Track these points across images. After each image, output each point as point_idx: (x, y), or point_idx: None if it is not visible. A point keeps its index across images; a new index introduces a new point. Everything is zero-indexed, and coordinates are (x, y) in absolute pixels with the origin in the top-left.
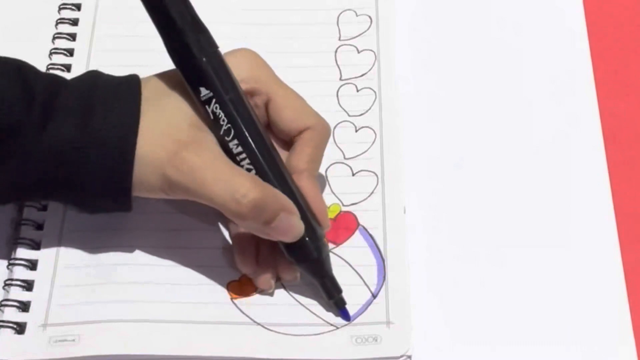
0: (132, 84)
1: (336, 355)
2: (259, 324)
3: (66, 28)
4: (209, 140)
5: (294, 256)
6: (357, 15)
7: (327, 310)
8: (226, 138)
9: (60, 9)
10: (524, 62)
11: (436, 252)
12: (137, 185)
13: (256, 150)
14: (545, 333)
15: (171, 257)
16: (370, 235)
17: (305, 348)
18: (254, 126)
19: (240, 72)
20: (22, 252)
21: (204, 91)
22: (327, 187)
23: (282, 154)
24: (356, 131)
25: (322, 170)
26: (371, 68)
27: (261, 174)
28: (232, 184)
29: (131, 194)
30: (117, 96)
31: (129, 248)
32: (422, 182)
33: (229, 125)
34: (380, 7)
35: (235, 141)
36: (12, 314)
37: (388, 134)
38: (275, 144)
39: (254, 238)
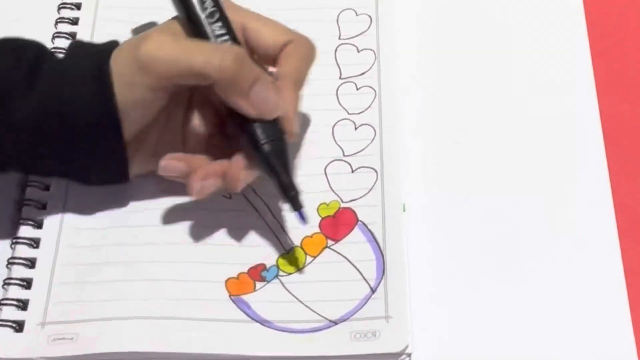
0: (114, 43)
1: (335, 352)
2: (256, 321)
3: (66, 27)
4: (175, 28)
5: (257, 136)
6: (357, 15)
7: (325, 305)
8: (210, 20)
9: (59, 8)
10: (524, 62)
11: (435, 247)
12: (120, 99)
13: (236, 36)
14: (545, 332)
15: (169, 254)
16: (370, 231)
17: (304, 344)
18: (230, 22)
19: None
20: (21, 251)
21: None
22: (326, 183)
23: None
24: (355, 129)
25: (321, 167)
26: (371, 67)
27: None
28: (214, 46)
29: (117, 112)
30: (102, 45)
31: (127, 246)
32: (422, 179)
33: (215, 8)
34: (380, 6)
35: (219, 24)
36: (10, 313)
37: (387, 131)
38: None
39: (202, 144)
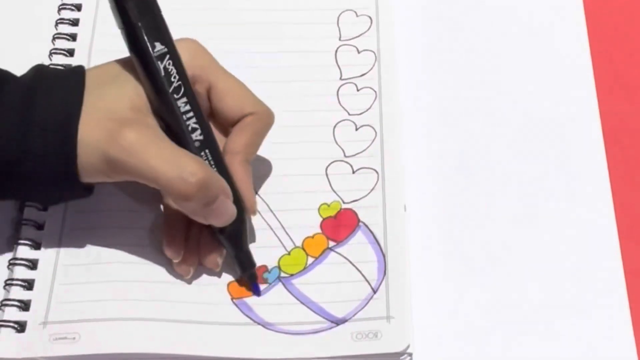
0: (76, 74)
1: (336, 352)
2: (259, 323)
3: (66, 28)
4: (150, 121)
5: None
6: (357, 16)
7: (325, 307)
8: (175, 96)
9: (60, 9)
10: (524, 62)
11: (436, 247)
12: (81, 169)
13: (201, 111)
14: (545, 332)
15: None
16: (371, 232)
17: (306, 346)
18: (195, 95)
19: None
20: (23, 252)
21: (159, 46)
22: (327, 184)
23: (222, 141)
24: (356, 129)
25: (322, 168)
26: (371, 68)
27: (205, 134)
28: (179, 162)
29: (79, 178)
30: (60, 86)
31: (129, 247)
32: (422, 179)
33: (180, 82)
34: (380, 7)
35: (184, 99)
36: (12, 313)
37: (388, 132)
38: (216, 132)
39: (183, 222)
